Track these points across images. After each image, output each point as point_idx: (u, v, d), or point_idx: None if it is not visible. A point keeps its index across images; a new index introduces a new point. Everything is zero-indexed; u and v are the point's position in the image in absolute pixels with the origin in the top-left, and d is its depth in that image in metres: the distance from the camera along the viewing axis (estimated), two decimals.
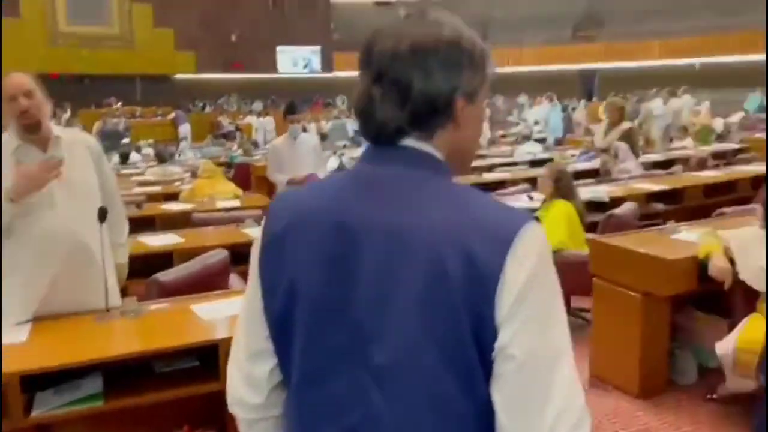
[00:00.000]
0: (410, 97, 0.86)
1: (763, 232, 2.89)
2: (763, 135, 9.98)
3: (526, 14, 22.60)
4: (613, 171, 6.31)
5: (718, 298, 3.05)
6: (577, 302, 4.21)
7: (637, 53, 19.75)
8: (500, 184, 6.30)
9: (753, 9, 18.52)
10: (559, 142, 12.28)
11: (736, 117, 12.30)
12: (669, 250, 3.20)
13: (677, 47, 18.89)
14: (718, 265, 2.90)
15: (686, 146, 9.40)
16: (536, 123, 13.55)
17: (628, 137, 6.22)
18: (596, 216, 4.53)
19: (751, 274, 2.80)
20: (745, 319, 2.83)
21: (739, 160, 8.00)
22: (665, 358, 3.31)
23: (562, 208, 4.18)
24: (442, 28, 0.88)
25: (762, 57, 17.00)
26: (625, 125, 6.34)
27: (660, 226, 3.80)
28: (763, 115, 12.28)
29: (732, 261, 2.90)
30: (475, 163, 8.27)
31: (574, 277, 3.77)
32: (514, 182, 6.35)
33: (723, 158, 8.37)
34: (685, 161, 7.71)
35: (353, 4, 24.25)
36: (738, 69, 17.60)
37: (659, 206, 5.43)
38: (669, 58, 18.96)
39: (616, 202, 4.90)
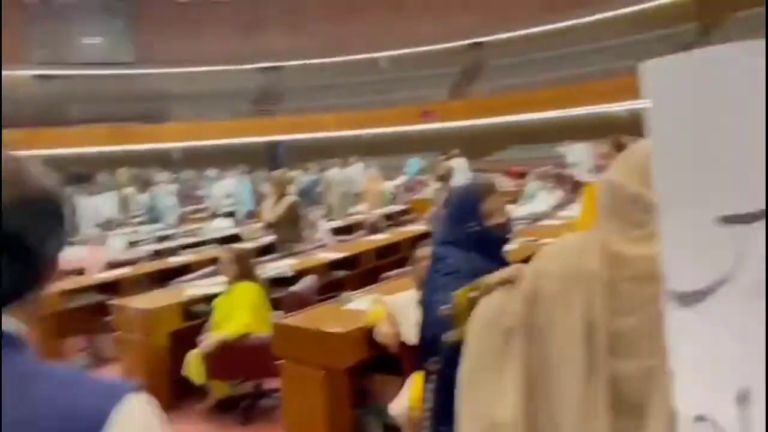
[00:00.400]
0: (21, 260, 0.69)
1: (418, 293, 3.22)
2: (420, 196, 11.52)
3: (206, 89, 22.92)
4: (306, 241, 6.57)
5: (396, 359, 3.28)
6: (272, 382, 4.16)
7: (315, 126, 21.50)
8: (186, 268, 6.02)
9: (406, 88, 21.81)
10: (251, 215, 12.37)
11: (400, 180, 13.97)
12: (342, 323, 3.35)
13: (348, 120, 21.11)
14: (382, 331, 3.13)
15: (361, 211, 10.32)
16: (227, 197, 13.49)
17: (292, 210, 6.49)
18: (282, 291, 4.59)
19: (409, 335, 3.08)
20: (412, 376, 3.09)
21: (404, 221, 9.07)
22: (352, 426, 3.42)
23: (246, 289, 4.13)
24: (40, 175, 0.73)
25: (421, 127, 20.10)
26: (290, 199, 6.62)
27: (336, 298, 3.99)
28: (421, 177, 14.23)
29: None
30: (160, 246, 7.83)
31: (260, 361, 3.73)
32: (202, 264, 6.12)
33: (392, 219, 9.40)
34: (361, 226, 8.44)
35: (8, 77, 21.52)
36: (397, 138, 20.43)
37: (340, 273, 5.77)
38: (342, 129, 21.07)
39: (302, 273, 5.05)
